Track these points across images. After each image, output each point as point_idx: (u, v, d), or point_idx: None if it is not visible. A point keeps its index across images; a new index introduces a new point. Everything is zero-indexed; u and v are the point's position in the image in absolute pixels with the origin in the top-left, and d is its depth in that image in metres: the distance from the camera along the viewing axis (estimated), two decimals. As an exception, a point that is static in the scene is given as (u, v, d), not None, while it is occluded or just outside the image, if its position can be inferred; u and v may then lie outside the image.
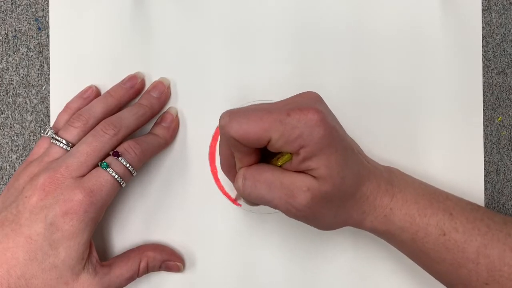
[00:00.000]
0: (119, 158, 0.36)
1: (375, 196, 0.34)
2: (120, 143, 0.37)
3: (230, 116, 0.32)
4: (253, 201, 0.34)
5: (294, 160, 0.32)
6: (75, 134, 0.37)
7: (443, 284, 0.37)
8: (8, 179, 0.43)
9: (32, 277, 0.34)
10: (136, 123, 0.39)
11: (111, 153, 0.36)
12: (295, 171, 0.33)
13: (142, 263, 0.39)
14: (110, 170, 0.36)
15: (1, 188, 0.43)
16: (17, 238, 0.34)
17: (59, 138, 0.37)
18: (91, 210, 0.34)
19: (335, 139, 0.32)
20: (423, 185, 0.37)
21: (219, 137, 0.34)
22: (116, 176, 0.36)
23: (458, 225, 0.34)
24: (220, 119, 0.33)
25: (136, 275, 0.38)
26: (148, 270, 0.39)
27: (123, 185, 0.36)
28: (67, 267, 0.34)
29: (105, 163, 0.36)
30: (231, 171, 0.36)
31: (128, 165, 0.36)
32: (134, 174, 0.37)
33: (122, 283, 0.37)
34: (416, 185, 0.36)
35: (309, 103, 0.32)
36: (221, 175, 0.42)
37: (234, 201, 0.42)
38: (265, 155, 0.35)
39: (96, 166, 0.36)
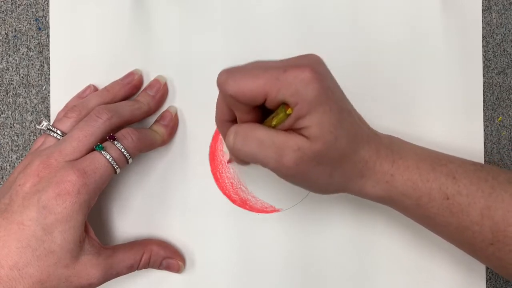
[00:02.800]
0: (115, 143, 0.36)
1: (374, 161, 0.34)
2: (113, 128, 0.37)
3: (227, 74, 0.32)
4: (242, 158, 0.34)
5: (288, 119, 0.32)
6: (69, 124, 0.38)
7: (452, 244, 0.37)
8: (8, 179, 0.43)
9: (26, 266, 0.33)
10: (131, 114, 0.39)
11: (108, 137, 0.37)
12: (288, 130, 0.33)
13: (145, 255, 0.39)
14: (105, 153, 0.36)
15: (1, 188, 0.43)
16: (8, 226, 0.34)
17: (53, 129, 0.38)
18: (84, 191, 0.34)
19: (329, 98, 0.32)
20: (424, 150, 0.36)
21: (219, 92, 0.35)
22: (111, 160, 0.36)
23: (462, 188, 0.34)
24: (217, 77, 0.33)
25: (137, 265, 0.38)
26: (149, 264, 0.39)
27: (118, 171, 0.36)
28: (65, 251, 0.34)
29: (100, 145, 0.36)
30: (223, 125, 0.36)
31: (124, 151, 0.36)
32: (129, 161, 0.37)
33: (123, 270, 0.37)
34: (417, 150, 0.36)
35: (307, 63, 0.32)
36: (221, 174, 0.42)
37: (233, 201, 0.42)
38: (264, 117, 0.35)
39: (90, 151, 0.36)
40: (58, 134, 0.37)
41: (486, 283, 0.42)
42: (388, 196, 0.35)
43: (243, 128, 0.33)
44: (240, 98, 0.32)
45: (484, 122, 0.43)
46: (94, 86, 0.41)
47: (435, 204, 0.34)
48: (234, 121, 0.36)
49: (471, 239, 0.35)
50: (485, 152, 0.43)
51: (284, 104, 0.32)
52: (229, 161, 0.42)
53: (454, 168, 0.35)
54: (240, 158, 0.35)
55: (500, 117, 0.43)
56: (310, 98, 0.31)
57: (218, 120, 0.36)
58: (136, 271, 0.38)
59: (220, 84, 0.33)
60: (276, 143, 0.32)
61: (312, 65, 0.32)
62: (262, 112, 0.34)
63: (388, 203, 0.36)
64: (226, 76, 0.32)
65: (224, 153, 0.42)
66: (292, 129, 0.32)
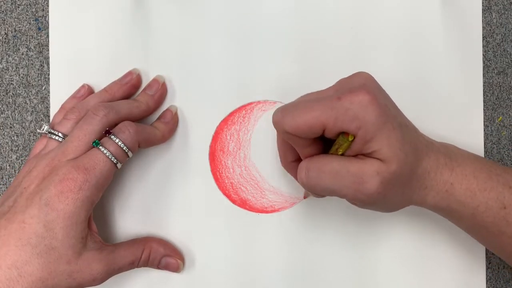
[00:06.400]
0: (112, 137, 0.36)
1: (435, 171, 0.34)
2: (111, 124, 0.37)
3: (282, 112, 0.32)
4: (318, 192, 0.34)
5: (354, 145, 0.32)
6: (69, 126, 0.38)
7: (499, 256, 0.37)
8: (8, 179, 0.43)
9: (26, 264, 0.33)
10: (128, 111, 0.39)
11: (104, 132, 0.37)
12: (358, 156, 0.33)
13: (145, 252, 0.39)
14: (102, 148, 0.36)
15: (1, 188, 0.43)
16: (9, 225, 0.34)
17: (54, 132, 0.38)
18: (86, 187, 0.34)
19: (389, 116, 0.32)
20: (479, 158, 0.36)
21: (276, 133, 0.35)
22: (109, 154, 0.36)
23: None
24: (273, 116, 0.33)
25: (137, 262, 0.38)
26: (148, 261, 0.39)
27: (118, 165, 0.36)
28: (67, 247, 0.34)
29: (96, 141, 0.36)
30: (290, 166, 0.36)
31: (121, 144, 0.36)
32: (129, 155, 0.37)
33: (125, 265, 0.37)
34: (472, 158, 0.36)
35: (359, 84, 0.32)
36: (220, 174, 0.42)
37: (233, 201, 0.42)
38: (326, 146, 0.35)
39: (90, 148, 0.36)
40: (59, 136, 0.38)
41: (486, 283, 0.42)
42: (447, 205, 0.35)
43: (314, 162, 0.33)
44: (298, 133, 0.32)
45: (484, 122, 0.43)
46: (88, 85, 0.41)
47: (491, 213, 0.34)
48: (299, 160, 0.36)
49: None
50: (485, 152, 0.43)
51: (343, 133, 0.32)
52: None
53: (510, 177, 0.35)
54: (316, 193, 0.34)
55: (500, 117, 0.43)
56: (372, 120, 0.31)
57: (284, 163, 0.37)
58: (137, 271, 0.38)
59: (277, 123, 0.33)
60: (352, 171, 0.32)
61: (365, 86, 0.32)
62: (323, 142, 0.34)
63: (445, 212, 0.36)
64: (281, 115, 0.32)
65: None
66: (362, 154, 0.32)
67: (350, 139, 0.31)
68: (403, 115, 0.34)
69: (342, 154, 0.33)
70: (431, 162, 0.34)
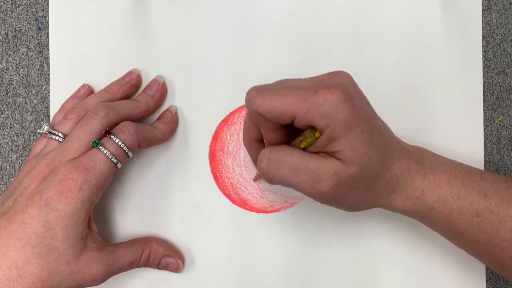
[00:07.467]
0: (112, 137, 0.36)
1: (405, 177, 0.34)
2: (111, 125, 0.37)
3: (256, 91, 0.32)
4: (276, 183, 0.34)
5: (318, 141, 0.32)
6: (69, 126, 0.38)
7: (480, 261, 0.37)
8: (8, 179, 0.43)
9: (26, 264, 0.33)
10: (129, 111, 0.39)
11: (104, 132, 0.37)
12: (320, 153, 0.32)
13: (145, 252, 0.39)
14: (102, 148, 0.36)
15: (1, 188, 0.43)
16: (9, 225, 0.34)
17: (54, 132, 0.38)
18: (86, 187, 0.34)
19: (361, 119, 0.32)
20: (455, 164, 0.36)
21: (246, 111, 0.35)
22: (109, 155, 0.36)
23: (493, 205, 0.34)
24: (247, 93, 0.33)
25: (137, 262, 0.38)
26: (148, 261, 0.39)
27: (118, 165, 0.36)
28: (67, 247, 0.34)
29: (96, 141, 0.36)
30: (250, 144, 0.36)
31: (121, 144, 0.36)
32: (129, 155, 0.37)
33: (125, 266, 0.37)
34: (448, 165, 0.36)
35: (338, 83, 0.32)
36: (220, 174, 0.42)
37: (233, 201, 0.42)
38: (291, 135, 0.35)
39: (91, 148, 0.36)
40: (59, 136, 0.38)
41: (486, 283, 0.42)
42: (418, 211, 0.35)
43: (276, 153, 0.33)
44: (268, 116, 0.32)
45: (484, 122, 0.43)
46: (88, 85, 0.41)
47: (464, 220, 0.34)
48: (261, 140, 0.36)
49: (499, 256, 0.34)
50: (485, 152, 0.43)
51: (312, 128, 0.32)
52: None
53: (486, 185, 0.35)
54: (272, 183, 0.35)
55: (500, 117, 0.43)
56: (341, 120, 0.31)
57: (245, 139, 0.37)
58: (137, 271, 0.38)
59: (249, 100, 0.32)
60: (311, 168, 0.32)
61: (342, 85, 0.32)
62: (289, 131, 0.34)
63: (417, 217, 0.36)
64: (255, 94, 0.32)
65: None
66: (324, 152, 0.32)
67: (317, 135, 0.31)
68: (378, 119, 0.34)
69: (304, 148, 0.33)
70: (402, 168, 0.34)
